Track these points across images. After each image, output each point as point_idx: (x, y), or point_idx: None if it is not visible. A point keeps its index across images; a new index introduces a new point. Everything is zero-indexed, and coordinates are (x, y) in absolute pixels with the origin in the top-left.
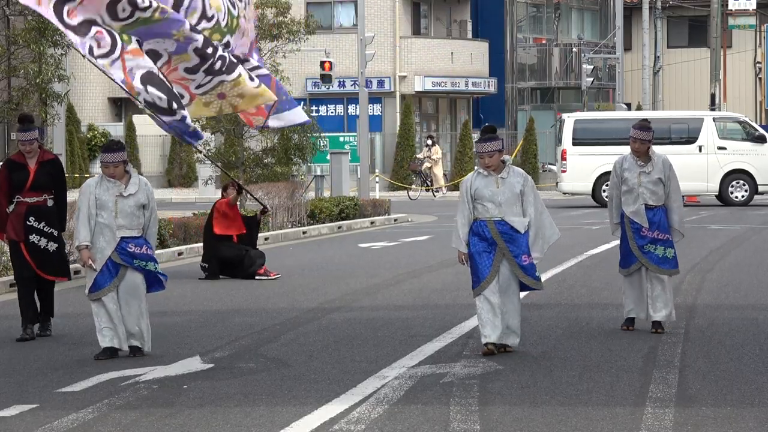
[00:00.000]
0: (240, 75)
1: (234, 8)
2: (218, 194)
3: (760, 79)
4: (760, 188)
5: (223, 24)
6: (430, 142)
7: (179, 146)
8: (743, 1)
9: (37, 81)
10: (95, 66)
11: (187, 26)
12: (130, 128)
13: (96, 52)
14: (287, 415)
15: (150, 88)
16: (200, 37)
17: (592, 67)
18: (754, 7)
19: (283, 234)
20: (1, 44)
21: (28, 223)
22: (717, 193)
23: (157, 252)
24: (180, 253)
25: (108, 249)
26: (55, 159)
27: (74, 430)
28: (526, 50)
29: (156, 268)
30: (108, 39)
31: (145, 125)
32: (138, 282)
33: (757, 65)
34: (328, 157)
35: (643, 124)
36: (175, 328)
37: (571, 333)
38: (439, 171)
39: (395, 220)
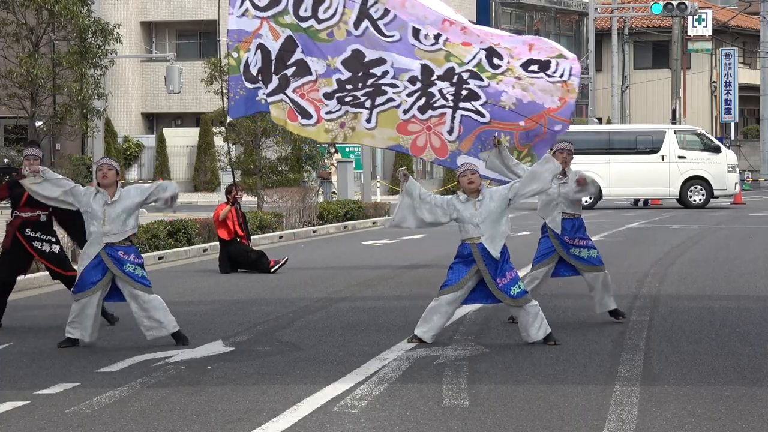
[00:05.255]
0: (360, 112)
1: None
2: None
3: (715, 96)
4: (716, 192)
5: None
6: (333, 150)
7: (204, 155)
8: (700, 28)
9: (79, 98)
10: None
11: (343, 57)
12: (161, 139)
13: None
14: (299, 393)
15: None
16: (347, 73)
17: None
18: (710, 33)
19: (295, 233)
20: (48, 66)
21: (26, 234)
22: (678, 197)
23: (184, 249)
24: (204, 250)
25: (94, 253)
26: None
27: (111, 405)
28: None
29: (142, 274)
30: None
31: (175, 137)
32: (136, 287)
33: (713, 84)
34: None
35: (566, 146)
36: (200, 316)
37: (549, 320)
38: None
39: None
